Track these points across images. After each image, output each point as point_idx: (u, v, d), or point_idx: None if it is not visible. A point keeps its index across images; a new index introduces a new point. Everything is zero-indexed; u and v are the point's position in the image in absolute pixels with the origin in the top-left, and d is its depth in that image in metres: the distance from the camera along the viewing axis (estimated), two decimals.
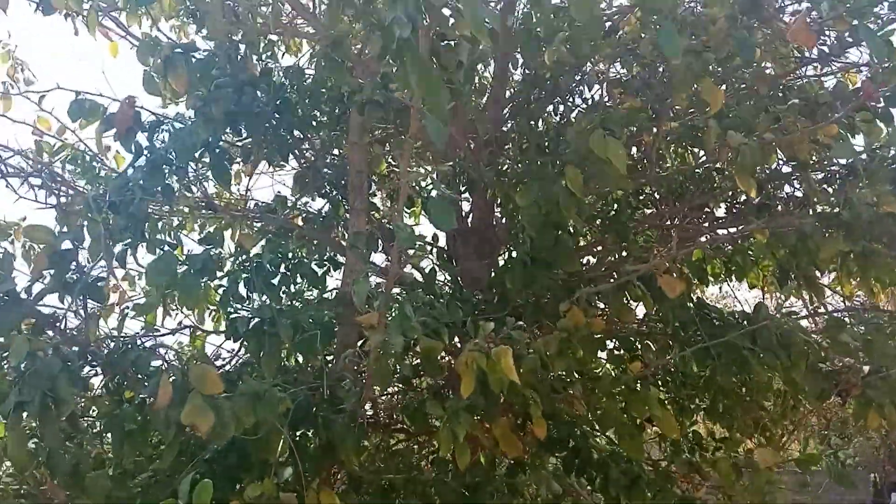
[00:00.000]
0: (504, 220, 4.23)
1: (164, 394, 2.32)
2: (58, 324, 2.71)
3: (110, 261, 2.64)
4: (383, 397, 3.84)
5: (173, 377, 2.36)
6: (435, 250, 4.45)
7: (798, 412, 3.82)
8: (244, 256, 3.80)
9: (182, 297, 2.91)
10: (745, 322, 3.21)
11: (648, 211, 4.05)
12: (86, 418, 2.94)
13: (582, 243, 3.78)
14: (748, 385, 3.49)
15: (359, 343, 3.48)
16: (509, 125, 4.01)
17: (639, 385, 2.68)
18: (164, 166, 3.01)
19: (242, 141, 3.75)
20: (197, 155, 3.27)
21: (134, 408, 2.97)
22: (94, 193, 2.86)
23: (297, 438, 2.86)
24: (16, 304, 2.45)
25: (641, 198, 3.90)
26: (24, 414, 2.22)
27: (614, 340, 3.15)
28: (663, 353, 3.13)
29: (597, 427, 3.01)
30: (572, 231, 3.13)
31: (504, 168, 3.77)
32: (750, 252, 3.85)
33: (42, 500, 2.14)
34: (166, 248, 2.86)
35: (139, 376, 2.94)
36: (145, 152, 3.01)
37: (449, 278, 4.10)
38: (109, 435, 2.86)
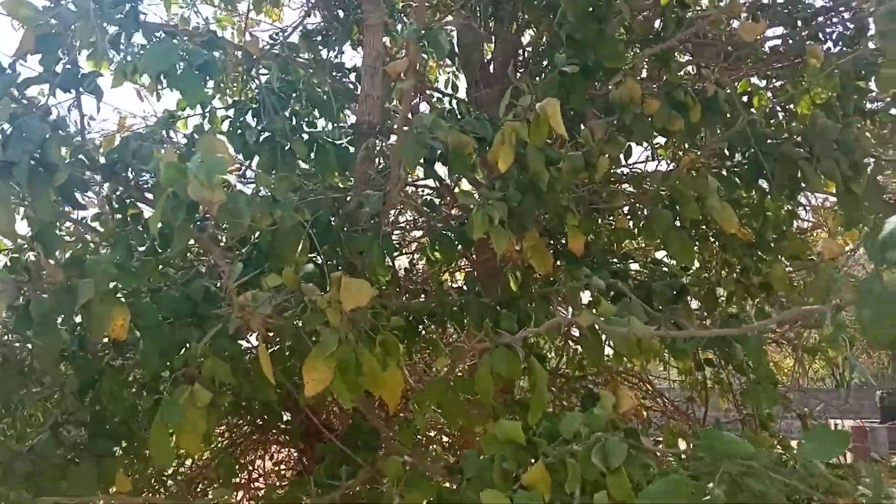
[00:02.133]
0: (531, 54, 3.93)
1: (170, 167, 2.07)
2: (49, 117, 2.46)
3: (102, 39, 2.35)
4: (406, 219, 3.62)
5: (178, 152, 2.11)
6: (455, 101, 4.18)
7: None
8: (252, 85, 3.53)
9: (182, 93, 2.63)
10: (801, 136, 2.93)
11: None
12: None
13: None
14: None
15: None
16: None
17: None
18: None
19: None
20: None
21: (138, 228, 2.77)
22: None
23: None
24: None
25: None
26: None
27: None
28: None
29: (639, 243, 2.78)
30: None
31: None
32: (802, 79, 3.54)
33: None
34: (163, 34, 2.56)
35: (142, 179, 2.71)
36: None
37: None
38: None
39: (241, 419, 3.74)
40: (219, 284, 2.59)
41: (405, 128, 2.32)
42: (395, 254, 3.87)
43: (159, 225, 2.13)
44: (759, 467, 1.15)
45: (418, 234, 4.28)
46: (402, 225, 4.08)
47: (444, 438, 3.63)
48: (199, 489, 3.54)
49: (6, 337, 2.20)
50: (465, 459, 1.91)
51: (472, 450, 1.94)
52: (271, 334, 2.44)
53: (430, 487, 2.02)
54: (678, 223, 2.53)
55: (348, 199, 2.96)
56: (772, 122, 3.22)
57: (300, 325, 2.17)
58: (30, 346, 2.24)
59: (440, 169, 3.38)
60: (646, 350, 1.69)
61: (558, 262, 2.79)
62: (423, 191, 3.97)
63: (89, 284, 1.98)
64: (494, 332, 2.00)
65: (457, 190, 2.94)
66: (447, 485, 2.08)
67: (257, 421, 3.75)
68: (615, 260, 2.90)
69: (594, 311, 1.74)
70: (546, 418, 1.69)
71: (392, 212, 4.10)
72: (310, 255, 2.57)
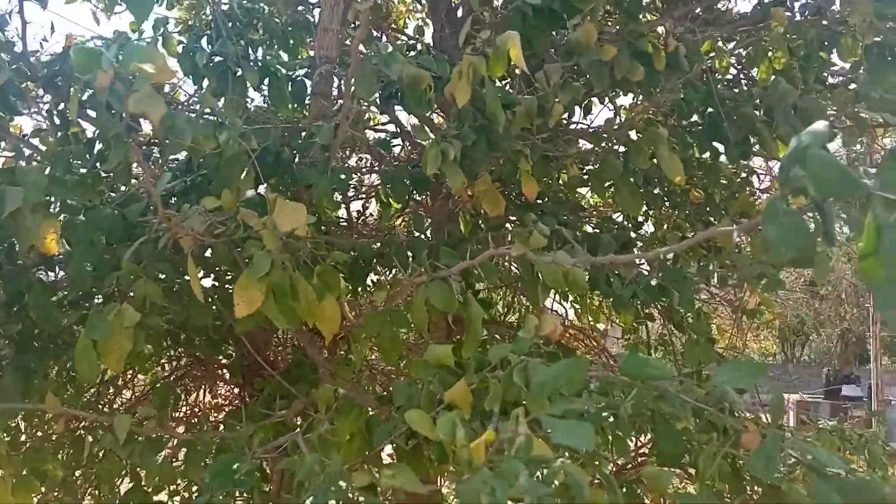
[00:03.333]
0: None
1: (104, 77, 1.99)
2: None
3: None
4: (362, 164, 3.57)
5: (115, 64, 2.01)
6: (420, 46, 4.10)
7: None
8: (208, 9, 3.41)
9: (131, 9, 2.51)
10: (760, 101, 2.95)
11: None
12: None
13: None
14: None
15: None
16: None
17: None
18: None
19: None
20: None
21: (81, 146, 2.68)
22: None
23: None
24: None
25: None
26: None
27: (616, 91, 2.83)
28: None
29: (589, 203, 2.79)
30: None
31: None
32: (764, 42, 3.54)
33: None
34: None
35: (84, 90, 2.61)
36: None
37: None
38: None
39: (183, 352, 3.69)
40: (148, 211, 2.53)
41: (360, 56, 2.26)
42: (350, 196, 3.83)
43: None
44: (672, 391, 1.17)
45: (373, 180, 4.23)
46: (357, 168, 4.02)
47: (381, 378, 3.64)
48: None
49: None
50: (396, 388, 1.91)
51: (401, 380, 1.94)
52: (208, 256, 2.39)
53: (361, 415, 2.01)
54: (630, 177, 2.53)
55: (302, 132, 2.90)
56: (734, 89, 3.23)
57: (237, 251, 2.14)
58: None
59: (399, 115, 3.34)
60: (572, 284, 1.69)
61: (509, 209, 2.78)
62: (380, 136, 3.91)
63: (18, 192, 1.90)
64: (433, 268, 1.99)
65: (412, 127, 2.88)
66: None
67: (197, 355, 3.71)
68: (566, 214, 2.90)
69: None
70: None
71: (347, 154, 4.05)
72: (255, 187, 2.52)
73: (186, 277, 2.54)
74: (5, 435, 2.43)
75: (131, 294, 2.19)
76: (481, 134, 2.42)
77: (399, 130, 3.56)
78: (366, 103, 2.68)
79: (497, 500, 0.85)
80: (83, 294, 2.35)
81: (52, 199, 2.21)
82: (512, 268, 3.45)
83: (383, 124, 4.24)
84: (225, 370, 3.83)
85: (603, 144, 2.56)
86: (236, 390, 4.22)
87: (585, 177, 2.70)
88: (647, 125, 2.29)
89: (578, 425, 0.95)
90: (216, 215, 2.09)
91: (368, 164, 4.09)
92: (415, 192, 3.02)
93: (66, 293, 2.31)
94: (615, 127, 2.44)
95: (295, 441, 1.79)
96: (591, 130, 2.73)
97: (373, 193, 4.15)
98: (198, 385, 4.10)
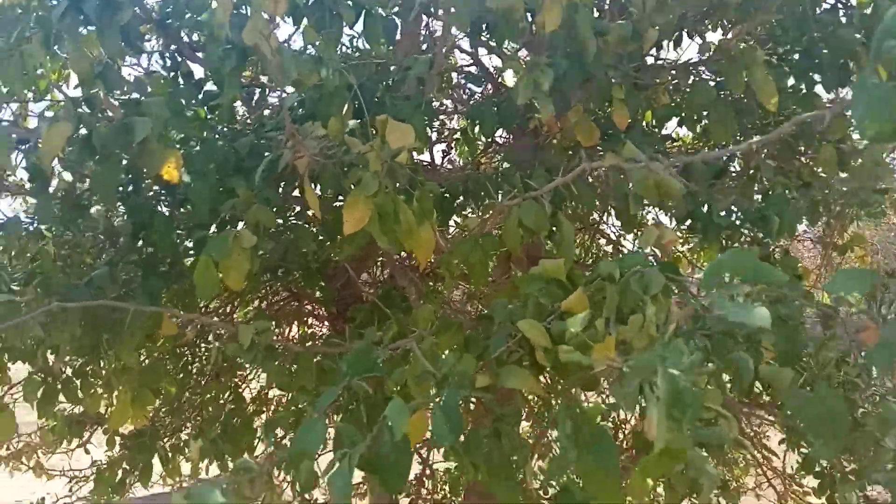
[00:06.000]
0: None
1: (224, 10, 2.11)
2: None
3: None
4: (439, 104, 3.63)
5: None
6: None
7: None
8: None
9: None
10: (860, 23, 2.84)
11: None
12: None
13: None
14: None
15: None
16: None
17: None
18: None
19: None
20: None
21: (189, 86, 2.83)
22: None
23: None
24: None
25: None
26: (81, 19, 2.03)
27: None
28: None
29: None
30: None
31: None
32: None
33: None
34: None
35: (196, 35, 2.76)
36: None
37: None
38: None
39: (279, 287, 3.88)
40: (262, 141, 2.67)
41: None
42: (433, 139, 3.89)
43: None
44: (790, 293, 1.21)
45: (453, 125, 4.29)
46: (442, 110, 4.08)
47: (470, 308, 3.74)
48: None
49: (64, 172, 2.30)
50: (495, 307, 1.99)
51: (502, 300, 2.02)
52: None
53: (460, 332, 2.11)
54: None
55: (392, 68, 2.98)
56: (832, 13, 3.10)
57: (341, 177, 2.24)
58: (87, 183, 2.35)
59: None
60: (665, 193, 1.72)
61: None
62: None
63: (146, 122, 2.05)
64: (526, 189, 2.05)
65: (503, 57, 2.90)
66: None
67: (292, 290, 3.90)
68: (656, 146, 2.89)
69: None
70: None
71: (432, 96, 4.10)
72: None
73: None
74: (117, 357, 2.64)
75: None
76: (573, 63, 2.44)
77: (482, 70, 3.59)
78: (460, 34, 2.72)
79: (669, 368, 0.92)
80: (198, 224, 2.52)
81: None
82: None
83: (464, 66, 4.27)
84: (316, 306, 4.02)
85: (693, 74, 2.54)
86: (324, 329, 4.44)
87: (675, 106, 2.68)
88: (743, 48, 2.26)
89: (752, 306, 1.01)
90: (325, 141, 2.21)
91: (450, 108, 4.15)
92: (501, 126, 3.07)
93: (184, 222, 2.48)
94: (708, 54, 2.41)
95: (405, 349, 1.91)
96: (680, 64, 2.70)
97: (455, 136, 4.22)
98: (290, 321, 4.32)
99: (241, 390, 3.24)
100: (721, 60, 2.36)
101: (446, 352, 2.14)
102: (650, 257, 1.66)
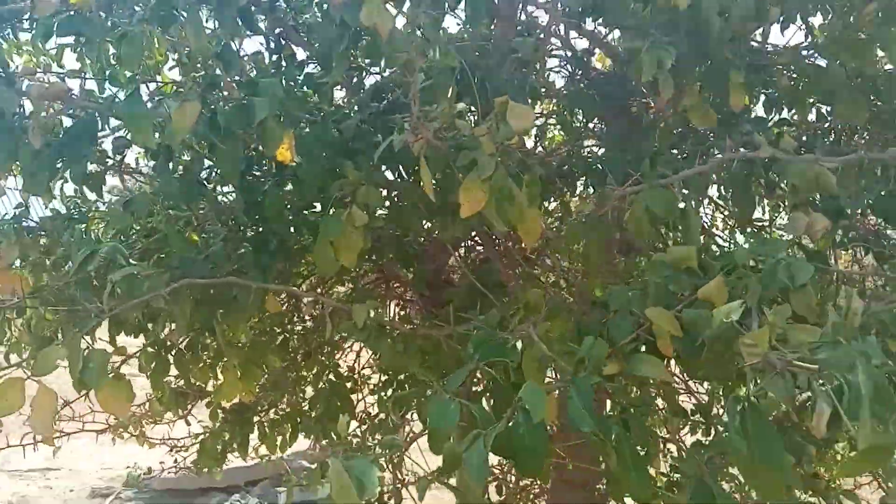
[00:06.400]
0: None
1: None
2: None
3: None
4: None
5: None
6: None
7: None
8: None
9: None
10: None
11: None
12: None
13: None
14: None
15: None
16: None
17: None
18: None
19: None
20: None
21: (292, 68, 2.86)
22: None
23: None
24: None
25: None
26: None
27: None
28: None
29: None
30: None
31: None
32: None
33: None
34: None
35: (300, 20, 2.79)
36: None
37: None
38: None
39: (371, 268, 3.92)
40: (364, 125, 2.68)
41: None
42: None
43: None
44: None
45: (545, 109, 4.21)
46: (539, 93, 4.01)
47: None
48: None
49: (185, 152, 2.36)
50: (612, 293, 1.95)
51: (621, 286, 1.97)
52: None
53: (569, 317, 2.08)
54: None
55: (491, 49, 2.95)
56: None
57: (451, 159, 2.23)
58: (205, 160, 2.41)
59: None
60: (824, 185, 1.64)
61: None
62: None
63: (264, 102, 2.08)
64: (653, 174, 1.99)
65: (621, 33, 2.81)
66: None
67: (383, 272, 3.94)
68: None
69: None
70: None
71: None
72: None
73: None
74: (230, 332, 2.71)
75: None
76: (691, 42, 2.35)
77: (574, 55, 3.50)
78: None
79: (873, 362, 0.87)
80: (306, 205, 2.55)
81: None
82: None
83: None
84: (405, 289, 4.05)
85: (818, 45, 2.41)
86: (414, 311, 4.47)
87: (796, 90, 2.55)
88: (879, 25, 2.12)
89: None
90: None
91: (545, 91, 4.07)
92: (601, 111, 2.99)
93: (293, 202, 2.52)
94: (840, 30, 2.27)
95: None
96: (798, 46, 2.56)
97: (550, 120, 4.15)
98: (382, 303, 4.37)
99: (339, 368, 3.29)
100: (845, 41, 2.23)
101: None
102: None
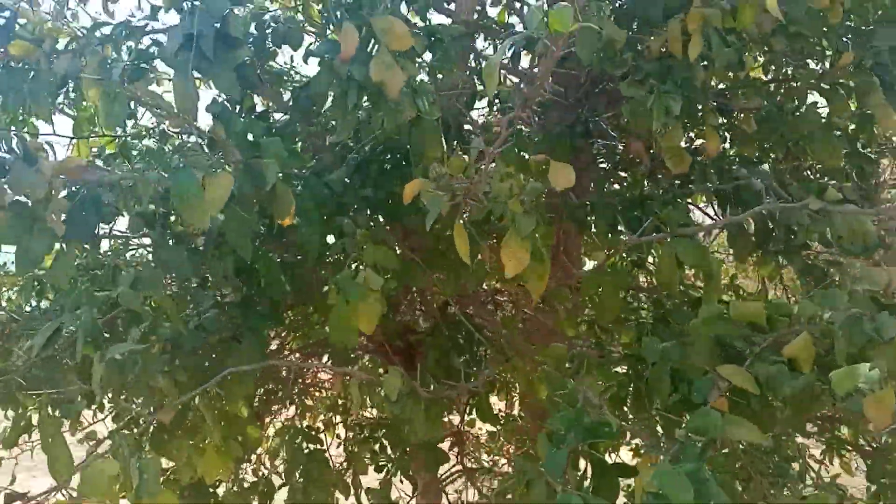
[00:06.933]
0: None
1: (350, 42, 2.01)
2: None
3: None
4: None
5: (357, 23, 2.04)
6: None
7: None
8: None
9: None
10: None
11: None
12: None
13: None
14: None
15: None
16: None
17: None
18: None
19: None
20: None
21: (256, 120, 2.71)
22: None
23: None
24: None
25: None
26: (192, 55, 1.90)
27: None
28: None
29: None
30: None
31: None
32: None
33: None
34: None
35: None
36: None
37: None
38: None
39: None
40: (348, 181, 2.56)
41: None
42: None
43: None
44: None
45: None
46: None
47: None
48: None
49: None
50: (649, 346, 1.94)
51: (653, 338, 1.98)
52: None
53: (602, 370, 2.06)
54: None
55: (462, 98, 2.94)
56: None
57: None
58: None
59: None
60: (864, 235, 1.71)
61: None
62: None
63: (272, 165, 1.94)
64: (679, 224, 2.02)
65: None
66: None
67: None
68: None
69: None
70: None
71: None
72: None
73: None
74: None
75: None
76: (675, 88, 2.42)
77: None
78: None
79: None
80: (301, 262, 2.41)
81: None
82: None
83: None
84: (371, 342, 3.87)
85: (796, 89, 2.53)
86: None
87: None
88: (857, 72, 2.27)
89: None
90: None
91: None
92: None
93: (285, 260, 2.37)
94: (820, 76, 2.40)
95: None
96: (775, 83, 2.71)
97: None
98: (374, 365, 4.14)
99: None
100: (825, 86, 2.38)
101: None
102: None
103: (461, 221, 1.97)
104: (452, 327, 3.29)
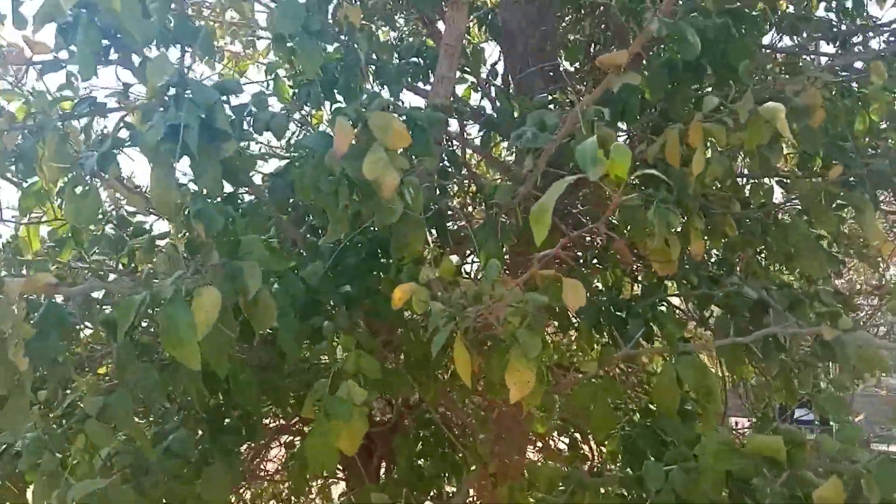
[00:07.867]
0: None
1: (344, 139, 1.89)
2: None
3: None
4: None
5: (350, 119, 1.93)
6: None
7: None
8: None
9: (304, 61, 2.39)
10: None
11: None
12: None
13: None
14: None
15: None
16: None
17: None
18: None
19: None
20: None
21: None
22: None
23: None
24: None
25: None
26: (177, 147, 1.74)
27: None
28: None
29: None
30: None
31: None
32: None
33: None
34: None
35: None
36: None
37: None
38: None
39: None
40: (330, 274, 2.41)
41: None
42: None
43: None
44: None
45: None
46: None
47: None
48: None
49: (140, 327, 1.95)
50: (651, 472, 1.84)
51: (654, 462, 1.87)
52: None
53: (606, 499, 1.94)
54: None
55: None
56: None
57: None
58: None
59: None
60: (877, 362, 1.67)
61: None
62: None
63: (254, 270, 1.77)
64: (682, 340, 1.94)
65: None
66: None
67: None
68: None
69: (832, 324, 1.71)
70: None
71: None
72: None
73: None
74: None
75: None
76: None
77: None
78: None
79: None
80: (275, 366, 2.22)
81: None
82: None
83: None
84: None
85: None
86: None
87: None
88: (848, 189, 2.29)
89: None
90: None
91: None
92: None
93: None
94: (808, 185, 2.41)
95: None
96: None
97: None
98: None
99: None
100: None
101: None
102: None
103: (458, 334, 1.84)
104: (420, 423, 3.12)
